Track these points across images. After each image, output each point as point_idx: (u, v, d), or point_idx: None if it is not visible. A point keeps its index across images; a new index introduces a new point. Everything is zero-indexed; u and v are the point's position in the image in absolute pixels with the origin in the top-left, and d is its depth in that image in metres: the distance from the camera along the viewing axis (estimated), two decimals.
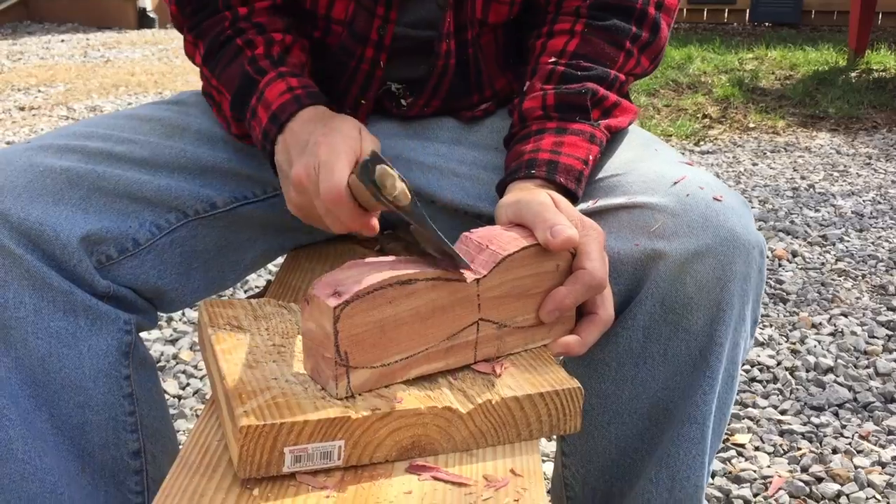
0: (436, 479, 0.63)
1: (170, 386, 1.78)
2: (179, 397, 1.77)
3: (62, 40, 7.14)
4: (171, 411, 1.69)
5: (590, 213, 0.84)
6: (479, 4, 0.94)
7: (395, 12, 0.93)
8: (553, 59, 0.91)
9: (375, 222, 0.75)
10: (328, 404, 0.63)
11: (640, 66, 0.94)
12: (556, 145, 0.84)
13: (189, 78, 5.45)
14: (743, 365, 1.87)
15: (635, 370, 0.82)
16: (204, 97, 1.02)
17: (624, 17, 0.92)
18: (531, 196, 0.75)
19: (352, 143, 0.77)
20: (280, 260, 1.15)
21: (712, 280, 0.77)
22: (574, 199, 0.84)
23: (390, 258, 0.68)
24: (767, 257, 2.53)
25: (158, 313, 0.99)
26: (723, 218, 0.78)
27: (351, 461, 0.63)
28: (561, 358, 1.03)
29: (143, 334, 2.00)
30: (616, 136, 0.92)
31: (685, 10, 7.22)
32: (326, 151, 0.76)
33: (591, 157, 0.85)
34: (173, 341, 2.01)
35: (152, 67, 5.81)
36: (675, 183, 0.81)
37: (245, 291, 2.22)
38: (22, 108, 4.53)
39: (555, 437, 1.33)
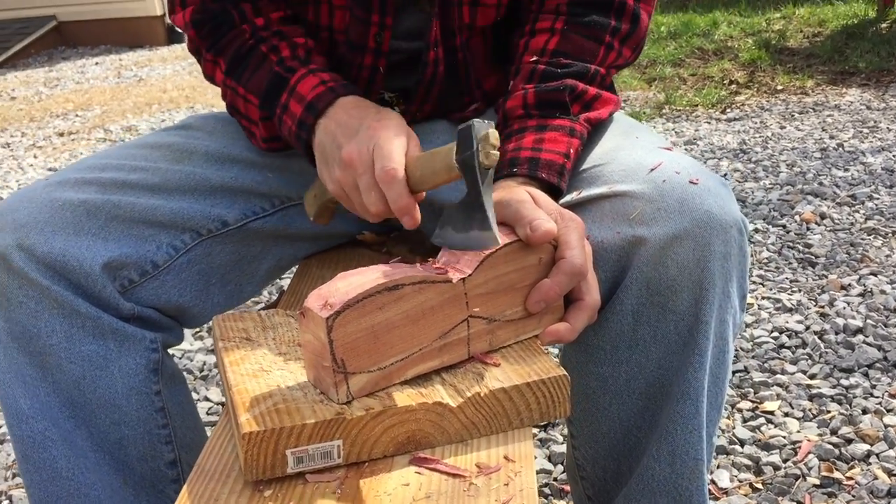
0: (434, 470, 0.67)
1: (213, 394, 1.85)
2: (223, 404, 1.84)
3: (96, 63, 7.31)
4: (215, 418, 1.76)
5: (574, 204, 0.87)
6: (466, 10, 0.97)
7: (391, 18, 0.96)
8: (534, 59, 0.94)
9: (418, 212, 0.80)
10: (325, 408, 0.67)
11: (621, 58, 0.97)
12: (536, 142, 0.88)
13: (219, 91, 5.54)
14: (771, 333, 1.87)
15: (629, 352, 0.86)
16: (230, 112, 1.06)
17: (603, 12, 0.95)
18: (511, 195, 0.79)
19: (405, 133, 0.82)
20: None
21: (692, 261, 0.80)
22: (559, 192, 0.87)
23: (378, 266, 0.72)
24: (795, 222, 2.50)
25: (185, 329, 1.05)
26: (699, 200, 0.81)
27: (351, 458, 0.68)
28: (560, 346, 1.06)
29: (186, 345, 2.08)
30: (599, 126, 0.95)
31: None
32: (385, 136, 0.81)
33: (571, 150, 0.88)
34: (214, 351, 2.08)
35: (183, 82, 5.93)
36: (652, 170, 0.84)
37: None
38: (61, 134, 4.67)
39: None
